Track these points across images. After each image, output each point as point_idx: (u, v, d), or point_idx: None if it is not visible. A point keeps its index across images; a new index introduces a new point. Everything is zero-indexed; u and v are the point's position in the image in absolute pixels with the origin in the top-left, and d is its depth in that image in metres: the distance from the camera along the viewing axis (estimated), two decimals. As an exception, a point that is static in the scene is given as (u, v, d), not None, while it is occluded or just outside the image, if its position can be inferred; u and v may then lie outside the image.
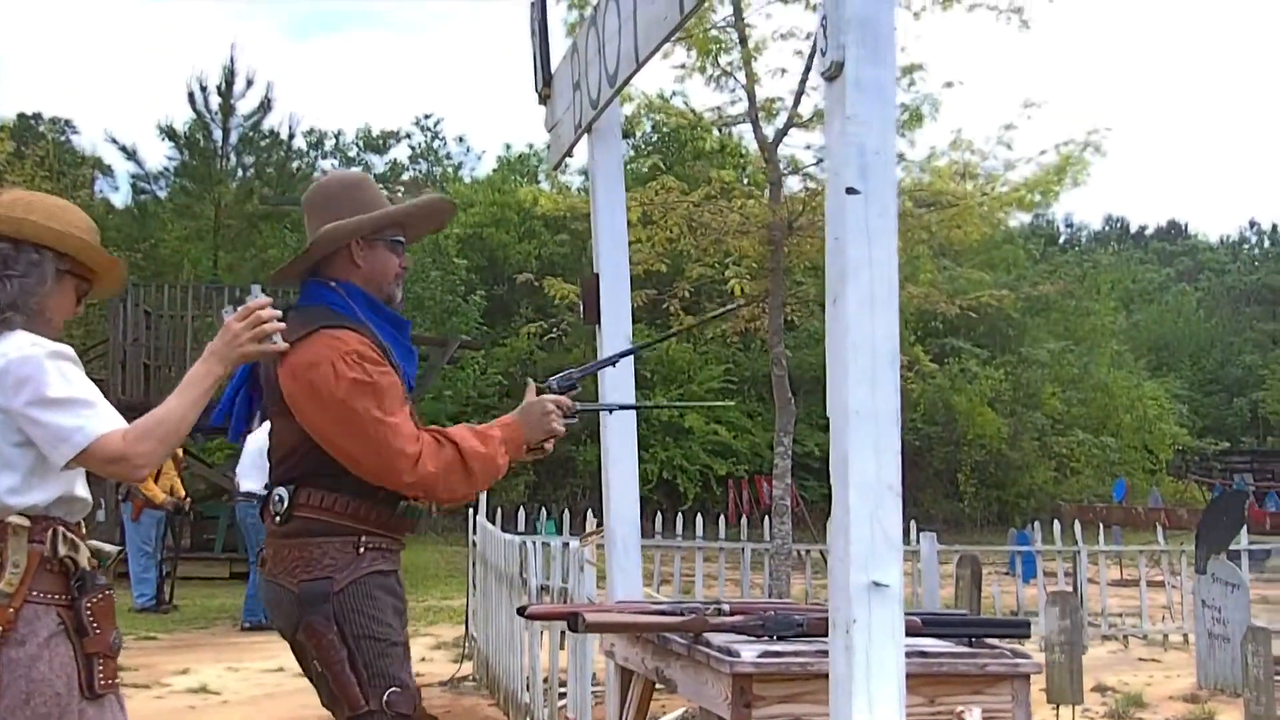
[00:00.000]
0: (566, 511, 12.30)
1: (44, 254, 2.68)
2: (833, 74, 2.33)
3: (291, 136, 24.42)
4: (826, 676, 2.32)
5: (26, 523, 2.57)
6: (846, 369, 2.29)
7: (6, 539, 2.55)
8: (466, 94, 70.78)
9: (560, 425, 3.11)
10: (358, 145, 36.86)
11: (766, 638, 2.89)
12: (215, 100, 23.27)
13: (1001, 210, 9.78)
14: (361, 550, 2.86)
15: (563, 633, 6.10)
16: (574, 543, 5.78)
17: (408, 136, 37.70)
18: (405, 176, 36.70)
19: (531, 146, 34.21)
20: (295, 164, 25.59)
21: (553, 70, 4.49)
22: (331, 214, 3.03)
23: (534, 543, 6.37)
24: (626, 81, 3.75)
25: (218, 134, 23.58)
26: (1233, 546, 10.30)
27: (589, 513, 9.64)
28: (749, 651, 2.74)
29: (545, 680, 6.08)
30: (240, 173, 23.88)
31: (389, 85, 70.73)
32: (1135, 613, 11.29)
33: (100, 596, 2.65)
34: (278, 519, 2.89)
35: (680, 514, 12.36)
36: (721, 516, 12.52)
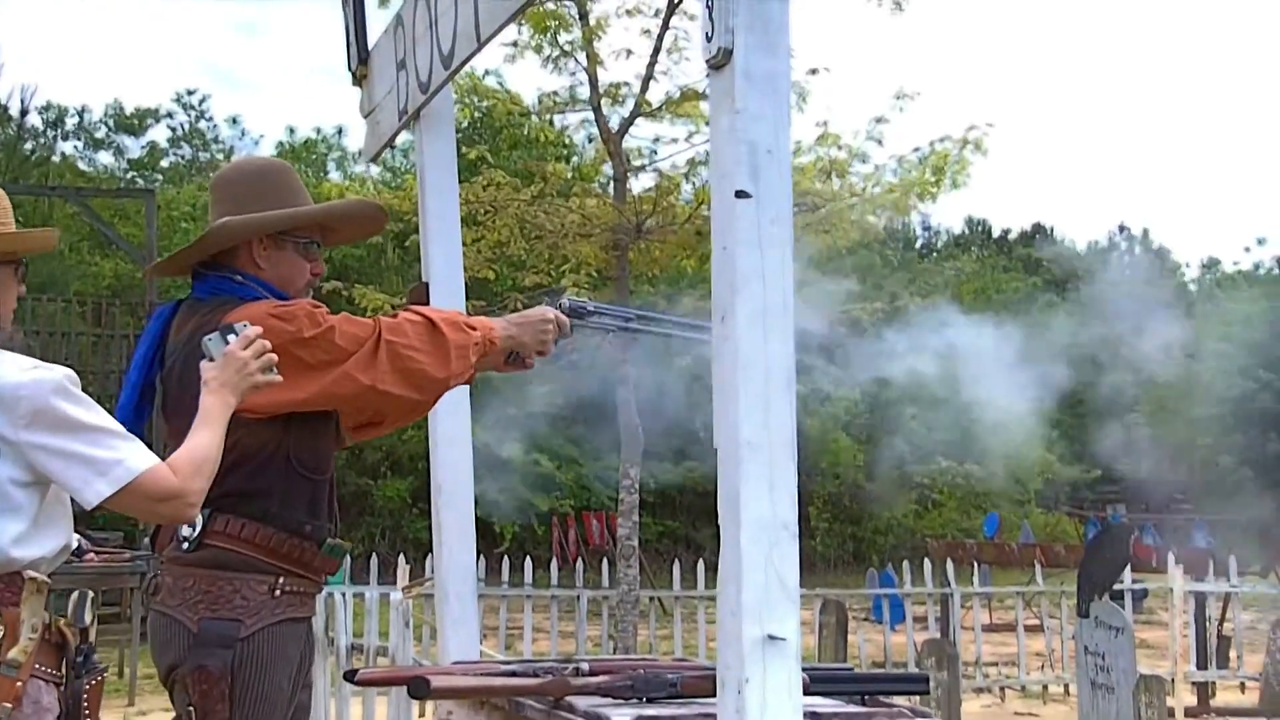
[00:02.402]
0: (374, 556, 12.16)
1: None
2: (719, 62, 2.39)
3: (24, 113, 23.58)
4: (709, 743, 2.37)
5: (45, 579, 2.54)
6: (736, 395, 2.34)
7: (22, 598, 2.51)
8: (240, 68, 69.28)
9: (552, 342, 3.25)
10: (107, 125, 35.78)
11: (636, 700, 2.94)
12: (-74, 67, 22.33)
13: (874, 213, 10.09)
14: (278, 593, 2.92)
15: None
16: (395, 594, 5.74)
17: (168, 115, 36.72)
18: (165, 163, 35.80)
19: (319, 131, 33.70)
20: (29, 145, 24.70)
21: (370, 47, 4.47)
22: (233, 205, 3.08)
23: (344, 594, 6.30)
24: (464, 63, 3.76)
25: (-69, 107, 22.64)
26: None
27: (400, 559, 9.56)
28: (619, 716, 2.78)
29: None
30: (-40, 154, 22.95)
31: (145, 55, 68.76)
32: (1010, 661, 11.69)
33: (98, 680, 2.64)
34: (185, 544, 2.91)
35: (505, 557, 12.35)
36: (553, 560, 12.51)
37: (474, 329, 3.12)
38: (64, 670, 2.58)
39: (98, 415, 2.57)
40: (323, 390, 2.95)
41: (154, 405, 3.13)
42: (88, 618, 2.63)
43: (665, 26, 9.65)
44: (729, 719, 2.29)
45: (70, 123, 33.83)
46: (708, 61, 2.42)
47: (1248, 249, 76.80)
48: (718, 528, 2.37)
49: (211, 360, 2.77)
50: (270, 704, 2.90)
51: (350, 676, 3.28)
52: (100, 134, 35.51)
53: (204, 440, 2.65)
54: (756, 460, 2.32)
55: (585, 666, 3.08)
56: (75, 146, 33.59)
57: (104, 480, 2.52)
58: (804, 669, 3.13)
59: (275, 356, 2.79)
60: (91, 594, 2.69)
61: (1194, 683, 10.32)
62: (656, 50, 9.70)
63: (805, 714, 2.80)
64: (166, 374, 3.09)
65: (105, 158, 34.86)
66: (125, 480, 2.52)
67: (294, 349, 2.90)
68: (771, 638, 2.29)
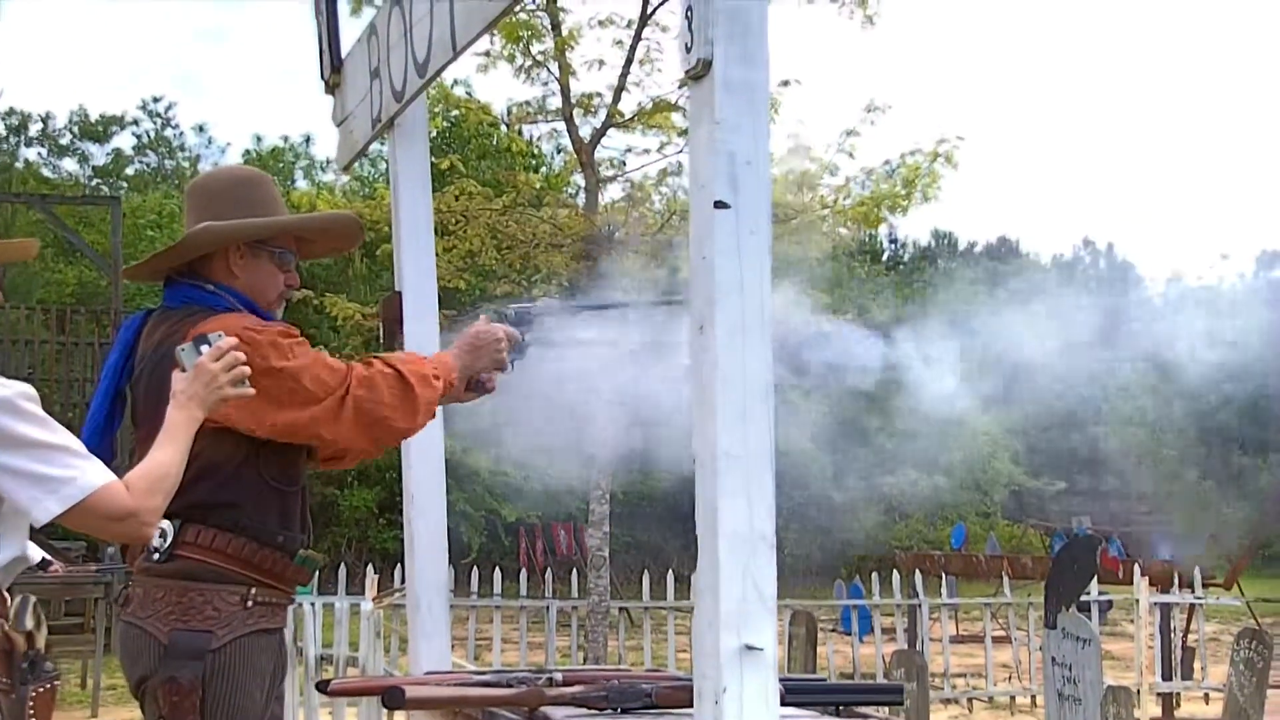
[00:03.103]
0: (341, 566, 12.11)
1: None
2: (699, 73, 2.39)
3: (-12, 119, 23.38)
4: (685, 753, 2.37)
5: None
6: (715, 405, 2.34)
7: None
8: (207, 75, 68.89)
9: (507, 356, 3.26)
10: (72, 131, 35.59)
11: (611, 710, 2.93)
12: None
13: (846, 225, 10.15)
14: (250, 604, 2.90)
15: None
16: (365, 604, 5.72)
17: (134, 123, 36.53)
18: (130, 170, 35.63)
19: (287, 139, 33.59)
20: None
21: (343, 55, 4.46)
22: (211, 212, 3.06)
23: (313, 604, 6.27)
24: (439, 72, 3.76)
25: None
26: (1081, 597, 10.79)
27: (369, 569, 9.52)
28: (595, 727, 2.77)
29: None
30: (-76, 161, 22.74)
31: (110, 61, 68.31)
32: (978, 672, 11.73)
33: (47, 686, 2.60)
34: (156, 555, 2.89)
35: (474, 567, 12.32)
36: (522, 570, 12.48)
37: (438, 378, 3.10)
38: (11, 676, 2.54)
39: (51, 432, 2.52)
40: (279, 429, 2.92)
41: (125, 414, 3.10)
42: (29, 622, 2.59)
43: (637, 38, 9.68)
44: (706, 729, 2.28)
45: (34, 129, 33.65)
46: (687, 72, 2.42)
47: (1211, 265, 77.51)
48: (686, 539, 2.37)
49: (184, 371, 2.73)
50: (242, 715, 2.88)
51: (323, 686, 3.25)
52: (65, 141, 35.32)
53: (163, 458, 2.61)
54: (734, 471, 2.32)
55: (559, 677, 3.07)
56: (39, 153, 33.41)
57: (54, 499, 2.48)
58: (779, 680, 3.14)
59: (248, 369, 2.75)
60: (34, 599, 2.66)
61: (1159, 694, 10.38)
62: (629, 61, 9.73)
63: (781, 725, 2.81)
64: (135, 382, 3.06)
65: (70, 165, 34.67)
66: (76, 499, 2.48)
67: (258, 378, 2.84)
68: (749, 648, 2.28)
